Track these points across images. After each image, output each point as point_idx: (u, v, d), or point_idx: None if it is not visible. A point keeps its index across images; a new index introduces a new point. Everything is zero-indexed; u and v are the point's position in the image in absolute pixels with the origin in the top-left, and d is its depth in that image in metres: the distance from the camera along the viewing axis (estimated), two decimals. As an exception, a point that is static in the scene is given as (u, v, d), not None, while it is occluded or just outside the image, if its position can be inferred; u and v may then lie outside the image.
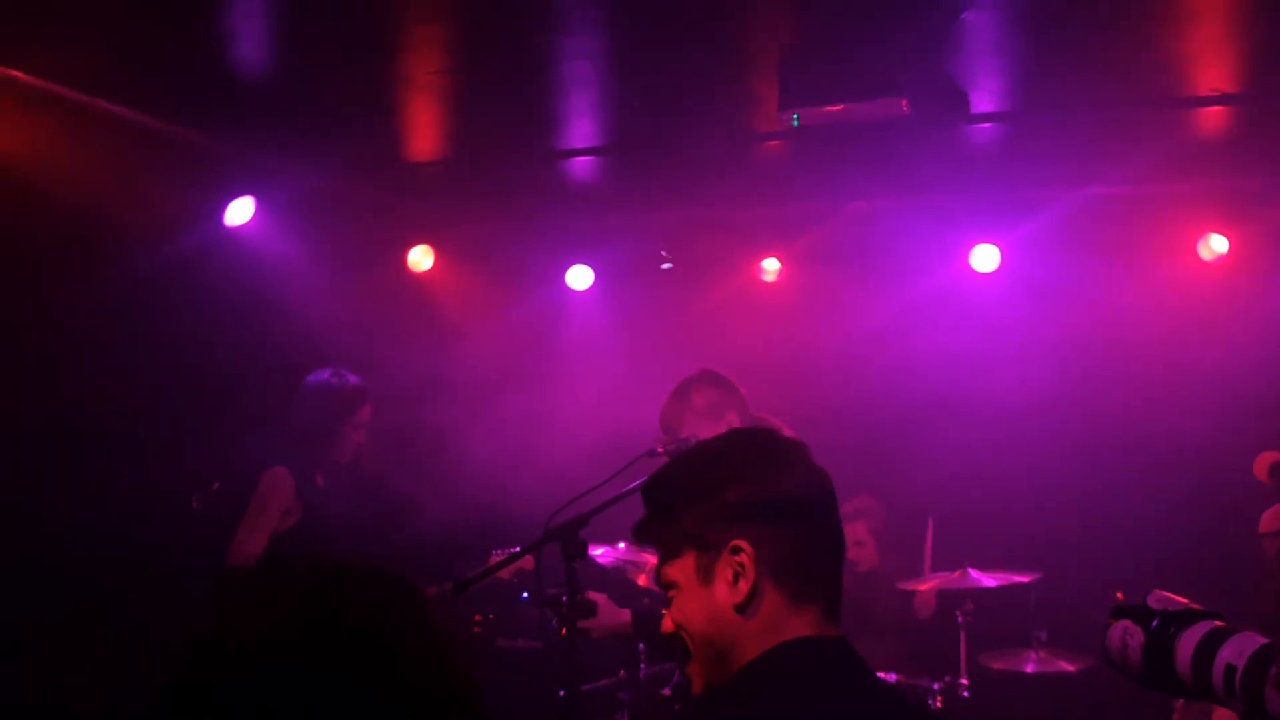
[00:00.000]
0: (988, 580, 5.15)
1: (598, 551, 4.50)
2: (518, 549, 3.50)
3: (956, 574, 5.21)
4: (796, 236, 6.60)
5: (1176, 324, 5.82)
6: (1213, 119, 5.15)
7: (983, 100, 5.02)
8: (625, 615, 3.39)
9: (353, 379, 4.85)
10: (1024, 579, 5.14)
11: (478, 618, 5.58)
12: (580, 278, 6.82)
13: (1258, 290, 5.73)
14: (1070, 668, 5.16)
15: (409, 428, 5.81)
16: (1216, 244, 5.82)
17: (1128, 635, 1.78)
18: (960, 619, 5.21)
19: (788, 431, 4.50)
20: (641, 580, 4.76)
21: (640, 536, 1.91)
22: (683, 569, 1.80)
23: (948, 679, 5.09)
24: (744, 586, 1.74)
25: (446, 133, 5.64)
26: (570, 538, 3.07)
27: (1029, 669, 5.18)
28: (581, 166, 6.12)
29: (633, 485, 3.06)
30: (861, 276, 6.47)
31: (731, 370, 5.92)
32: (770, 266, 6.75)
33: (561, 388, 6.26)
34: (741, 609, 1.75)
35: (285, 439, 4.75)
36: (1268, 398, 5.37)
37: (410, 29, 4.30)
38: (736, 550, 1.75)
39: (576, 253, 6.82)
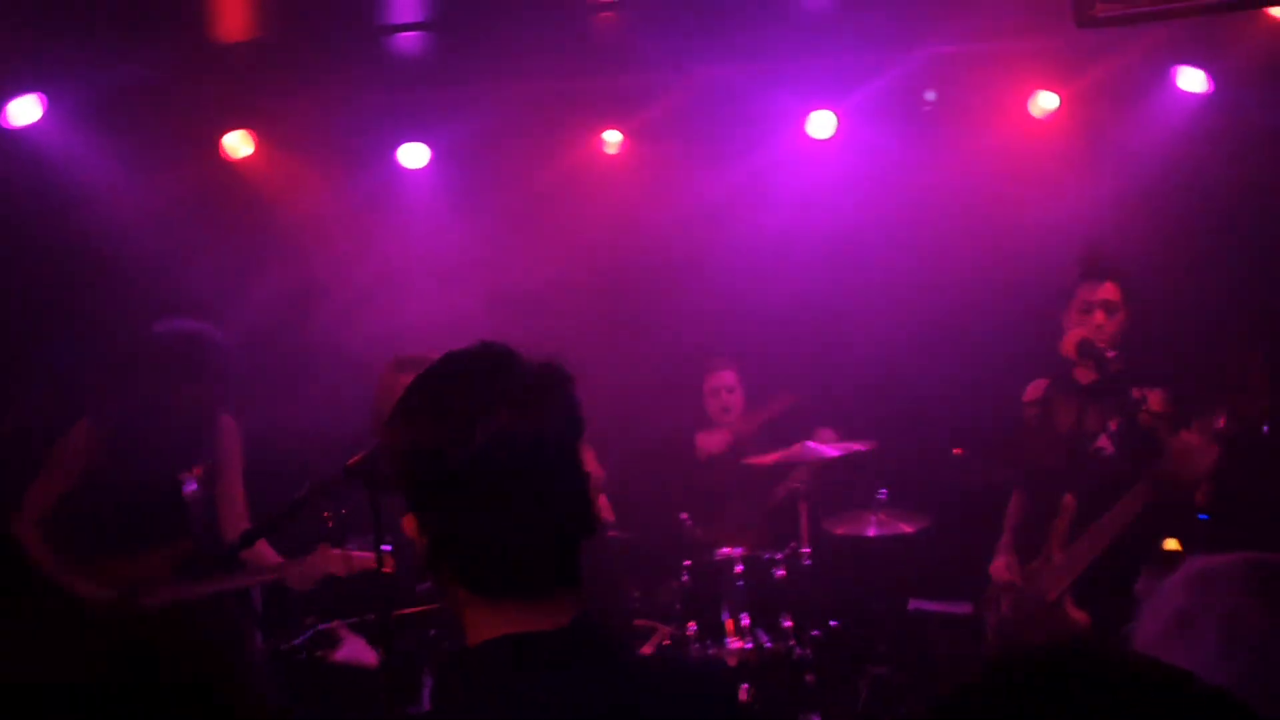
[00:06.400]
0: (829, 451, 5.22)
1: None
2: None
3: (796, 447, 5.25)
4: (637, 107, 6.43)
5: (1010, 183, 5.85)
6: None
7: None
8: None
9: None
10: (861, 447, 5.21)
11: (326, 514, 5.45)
12: (414, 156, 6.57)
13: (1088, 145, 5.77)
14: (909, 529, 5.28)
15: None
16: (1045, 101, 5.83)
17: None
18: (801, 489, 5.30)
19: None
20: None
21: None
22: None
23: (791, 546, 5.19)
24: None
25: (256, 10, 5.32)
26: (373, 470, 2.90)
27: (870, 533, 5.29)
28: (407, 42, 5.84)
29: None
30: (701, 146, 6.37)
31: (576, 246, 5.82)
32: (611, 139, 6.59)
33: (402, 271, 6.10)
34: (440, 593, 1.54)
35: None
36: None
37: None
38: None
39: (409, 130, 6.55)
